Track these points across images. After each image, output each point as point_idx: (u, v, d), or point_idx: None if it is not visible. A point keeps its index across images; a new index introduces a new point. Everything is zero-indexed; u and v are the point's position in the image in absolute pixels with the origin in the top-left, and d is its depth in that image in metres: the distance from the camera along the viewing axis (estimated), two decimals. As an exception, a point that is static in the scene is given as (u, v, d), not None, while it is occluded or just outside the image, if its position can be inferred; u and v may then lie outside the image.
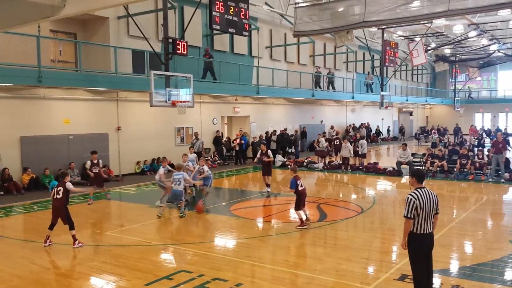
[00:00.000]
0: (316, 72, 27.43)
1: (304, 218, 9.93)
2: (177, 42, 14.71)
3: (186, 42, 15.05)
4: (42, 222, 10.44)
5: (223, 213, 11.60)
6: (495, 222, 11.05)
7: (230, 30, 15.22)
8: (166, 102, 14.27)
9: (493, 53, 38.57)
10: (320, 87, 27.32)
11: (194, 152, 15.22)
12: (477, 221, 10.70)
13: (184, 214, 11.12)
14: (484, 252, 8.16)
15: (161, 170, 12.52)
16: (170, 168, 13.24)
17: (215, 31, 18.64)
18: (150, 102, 13.90)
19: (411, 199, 5.43)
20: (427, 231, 5.49)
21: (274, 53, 25.89)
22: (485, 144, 26.25)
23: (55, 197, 8.57)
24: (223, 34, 20.58)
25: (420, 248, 5.53)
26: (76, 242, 8.54)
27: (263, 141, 22.53)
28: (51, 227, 8.68)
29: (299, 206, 9.91)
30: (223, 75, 20.06)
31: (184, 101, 14.73)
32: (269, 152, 14.85)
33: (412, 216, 5.42)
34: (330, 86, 28.71)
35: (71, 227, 8.53)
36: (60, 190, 8.54)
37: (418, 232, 5.47)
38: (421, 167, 17.48)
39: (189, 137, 20.71)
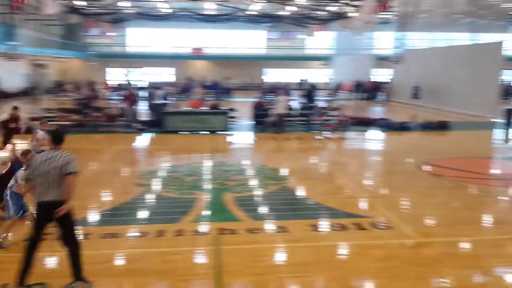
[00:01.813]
0: None
1: None
2: None
3: None
4: None
5: None
6: (126, 168, 12.00)
7: None
8: None
9: (123, 9, 40.56)
10: None
11: None
12: (111, 170, 11.38)
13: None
14: (116, 198, 8.81)
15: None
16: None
17: None
18: None
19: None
20: (49, 199, 4.93)
21: None
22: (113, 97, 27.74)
23: None
24: None
25: (41, 218, 5.04)
26: None
27: None
28: None
29: None
30: None
31: None
32: None
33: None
34: None
35: None
36: None
37: (39, 200, 4.97)
38: (55, 123, 17.00)
39: None
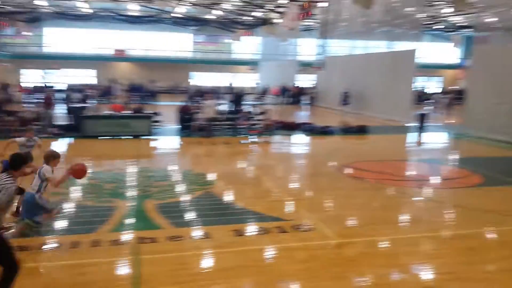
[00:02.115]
0: None
1: None
2: None
3: None
4: None
5: None
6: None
7: None
8: None
9: (40, 8, 38.34)
10: None
11: None
12: (24, 178, 10.59)
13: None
14: None
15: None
16: None
17: None
18: None
19: None
20: None
21: None
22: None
23: None
24: None
25: None
26: None
27: None
28: None
29: None
30: None
31: None
32: None
33: None
34: None
35: None
36: None
37: None
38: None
39: None
